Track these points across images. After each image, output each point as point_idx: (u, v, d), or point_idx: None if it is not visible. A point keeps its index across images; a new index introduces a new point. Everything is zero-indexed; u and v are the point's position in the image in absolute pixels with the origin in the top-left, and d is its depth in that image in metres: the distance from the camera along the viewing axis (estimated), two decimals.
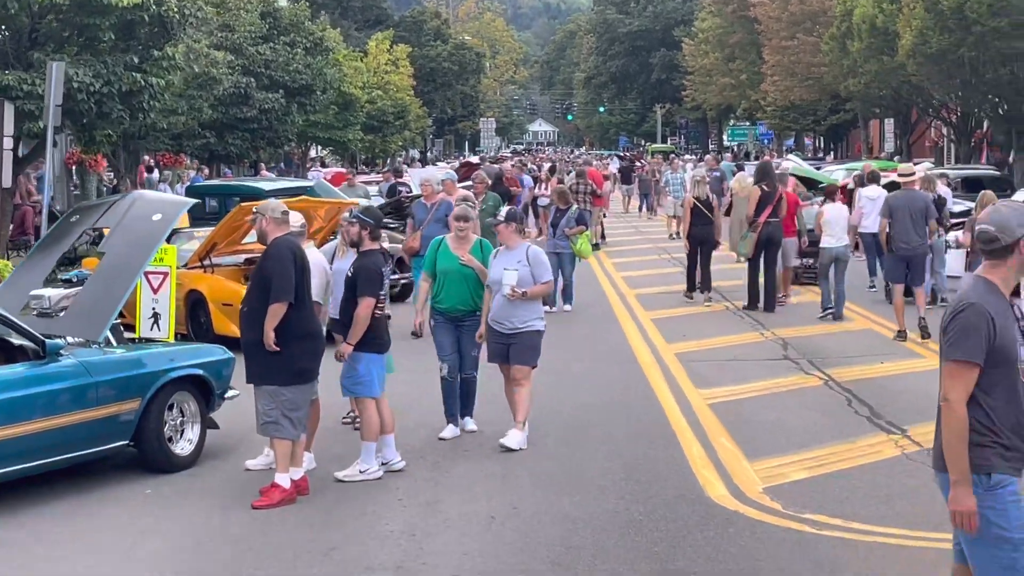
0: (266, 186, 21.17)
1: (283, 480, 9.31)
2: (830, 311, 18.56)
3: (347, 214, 10.76)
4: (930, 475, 9.79)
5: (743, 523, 8.83)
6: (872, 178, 21.28)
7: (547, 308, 18.00)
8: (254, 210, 10.05)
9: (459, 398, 11.46)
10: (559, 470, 10.24)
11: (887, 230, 16.95)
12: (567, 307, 19.61)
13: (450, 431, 11.34)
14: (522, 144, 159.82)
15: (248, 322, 9.49)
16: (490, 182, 21.24)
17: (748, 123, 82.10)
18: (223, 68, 28.84)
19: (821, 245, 19.08)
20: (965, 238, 17.14)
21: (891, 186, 19.47)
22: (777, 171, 21.26)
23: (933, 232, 17.35)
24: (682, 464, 10.46)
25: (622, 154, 76.24)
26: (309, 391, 9.67)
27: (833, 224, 18.91)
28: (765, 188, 19.65)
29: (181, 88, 27.44)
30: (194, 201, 12.63)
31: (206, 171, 36.34)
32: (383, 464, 10.08)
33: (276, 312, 9.22)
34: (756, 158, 68.88)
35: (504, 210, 11.56)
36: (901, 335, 16.59)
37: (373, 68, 57.44)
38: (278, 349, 9.21)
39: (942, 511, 8.91)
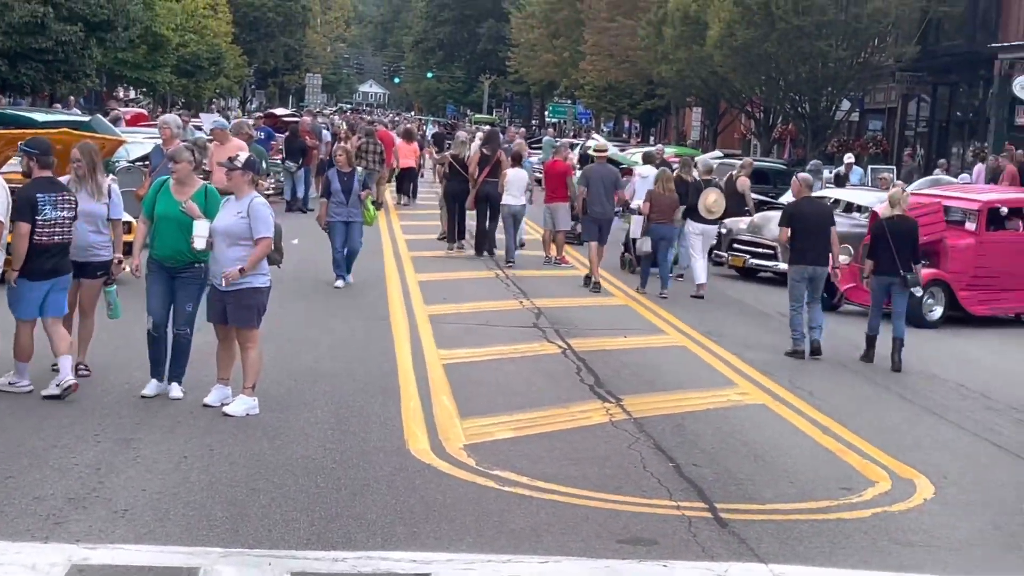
0: (39, 116, 20.57)
1: None
2: (510, 263, 21.45)
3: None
4: (626, 441, 10.24)
5: (432, 475, 9.02)
6: (648, 159, 22.54)
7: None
8: None
9: (170, 357, 10.74)
10: (270, 417, 10.27)
11: (584, 196, 19.73)
12: (345, 281, 18.09)
13: (152, 387, 10.66)
14: (351, 104, 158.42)
15: None
16: (252, 134, 20.84)
17: (569, 101, 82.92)
18: None
19: (502, 202, 21.91)
20: (645, 207, 19.47)
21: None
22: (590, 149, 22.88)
23: (620, 201, 20.63)
24: (395, 418, 10.61)
25: (440, 120, 76.24)
26: None
27: (513, 185, 21.80)
28: (485, 152, 22.49)
29: None
30: None
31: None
32: (58, 385, 10.18)
33: None
34: (574, 136, 69.87)
35: (243, 156, 11.09)
36: (591, 282, 19.33)
37: (190, 11, 56.22)
38: None
39: (624, 475, 9.34)
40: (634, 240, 20.27)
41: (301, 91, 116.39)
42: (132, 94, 64.56)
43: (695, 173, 21.10)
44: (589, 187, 19.81)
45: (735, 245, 22.56)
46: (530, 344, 14.52)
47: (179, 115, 31.87)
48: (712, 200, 19.81)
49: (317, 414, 10.54)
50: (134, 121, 37.28)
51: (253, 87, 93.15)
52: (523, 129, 57.91)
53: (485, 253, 22.51)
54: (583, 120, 78.73)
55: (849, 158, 31.56)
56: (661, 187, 19.37)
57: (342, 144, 23.53)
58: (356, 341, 14.08)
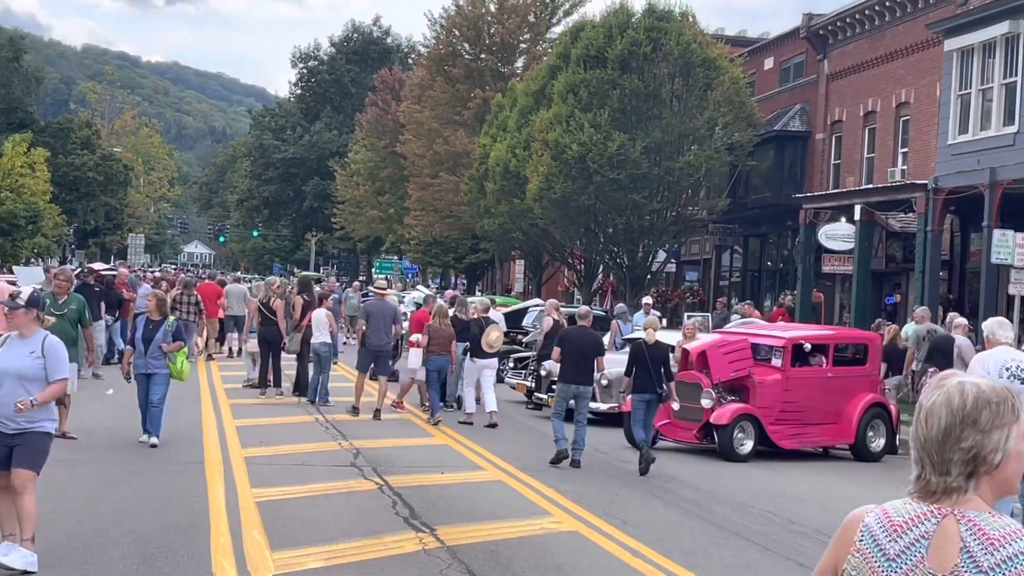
0: None
1: None
2: (325, 403, 22.19)
3: None
4: (438, 567, 10.24)
5: None
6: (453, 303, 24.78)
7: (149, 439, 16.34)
8: None
9: None
10: (74, 554, 10.01)
11: (364, 330, 21.29)
12: (154, 439, 16.44)
13: None
14: (176, 264, 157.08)
15: None
16: (75, 283, 20.30)
17: (396, 256, 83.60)
18: None
19: (312, 340, 22.62)
20: (423, 340, 21.16)
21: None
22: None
23: (398, 334, 22.61)
24: (203, 553, 10.43)
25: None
26: None
27: (316, 325, 22.59)
28: (306, 298, 23.53)
29: None
30: None
31: None
32: None
33: None
34: (402, 289, 70.32)
35: (26, 291, 10.65)
36: (355, 410, 20.71)
37: (7, 170, 55.42)
38: None
39: None
40: (412, 370, 22.04)
41: (124, 251, 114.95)
42: None
43: (472, 312, 22.75)
44: (369, 321, 21.41)
45: (554, 386, 22.87)
46: (346, 481, 14.46)
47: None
48: (494, 337, 21.62)
49: (123, 550, 10.31)
50: None
51: (73, 246, 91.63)
52: (357, 283, 58.09)
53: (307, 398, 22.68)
54: (409, 275, 79.31)
55: (647, 300, 32.47)
56: (437, 321, 21.16)
57: (155, 290, 21.36)
58: (166, 483, 13.81)
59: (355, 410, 20.89)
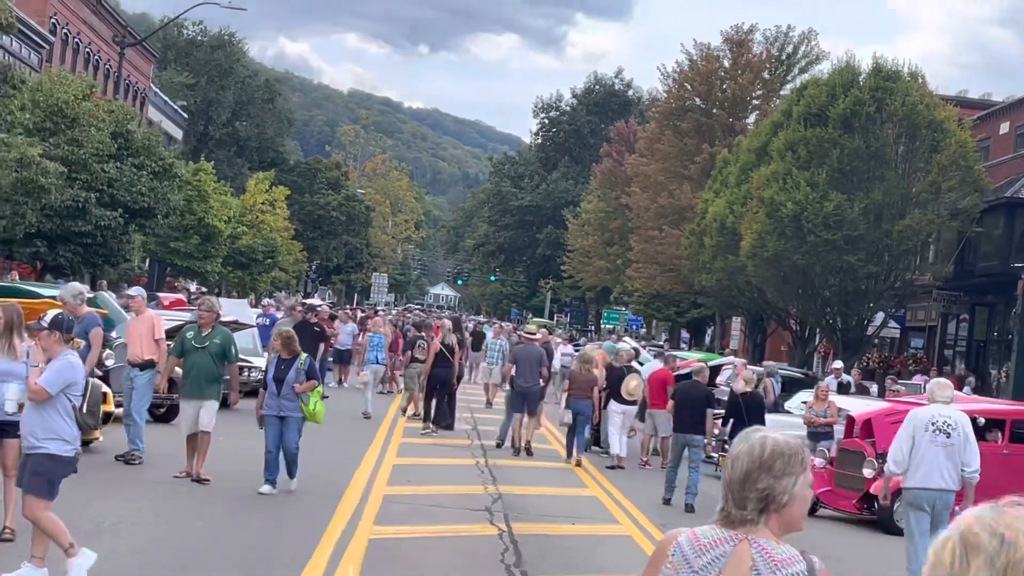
0: (44, 290, 21.35)
1: None
2: (520, 447, 22.58)
3: None
4: None
5: None
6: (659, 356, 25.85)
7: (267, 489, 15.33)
8: None
9: None
10: (165, 574, 10.45)
11: (512, 373, 22.82)
12: (292, 486, 15.69)
13: None
14: (421, 304, 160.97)
15: None
16: (219, 312, 19.71)
17: (623, 308, 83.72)
18: (53, 179, 28.77)
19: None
20: (565, 385, 23.32)
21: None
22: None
23: (545, 378, 23.91)
24: None
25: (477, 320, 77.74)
26: None
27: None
28: (457, 338, 24.83)
29: (7, 191, 27.64)
30: None
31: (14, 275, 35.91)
32: None
33: None
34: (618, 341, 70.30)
35: (50, 313, 10.92)
36: (518, 451, 22.17)
37: (248, 206, 58.08)
38: None
39: None
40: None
41: (367, 289, 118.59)
42: (193, 286, 66.28)
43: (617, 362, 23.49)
44: (518, 364, 22.97)
45: (726, 446, 22.59)
46: (470, 525, 14.57)
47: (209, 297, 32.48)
48: (633, 385, 22.28)
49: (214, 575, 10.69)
50: (173, 306, 38.40)
51: (317, 282, 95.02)
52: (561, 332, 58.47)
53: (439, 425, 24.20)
54: (634, 327, 79.25)
55: (837, 364, 31.46)
56: (579, 367, 22.20)
57: (284, 328, 18.06)
58: (292, 515, 14.16)
59: (500, 444, 22.70)
